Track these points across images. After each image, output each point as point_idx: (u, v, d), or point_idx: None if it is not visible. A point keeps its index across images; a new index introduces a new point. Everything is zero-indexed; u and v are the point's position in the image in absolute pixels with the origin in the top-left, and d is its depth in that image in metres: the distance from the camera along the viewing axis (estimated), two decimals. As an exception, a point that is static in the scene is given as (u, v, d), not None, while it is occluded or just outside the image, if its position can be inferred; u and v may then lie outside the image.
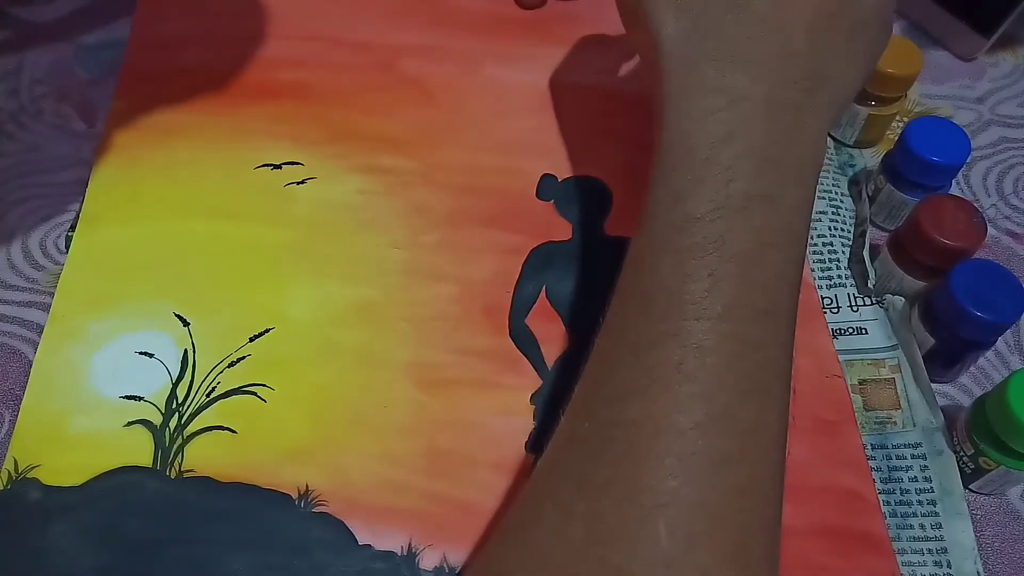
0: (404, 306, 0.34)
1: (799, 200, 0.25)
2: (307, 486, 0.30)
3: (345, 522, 0.29)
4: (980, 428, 0.32)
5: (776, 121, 0.25)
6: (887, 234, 0.38)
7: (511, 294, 0.35)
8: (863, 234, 0.38)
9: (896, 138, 0.38)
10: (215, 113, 0.38)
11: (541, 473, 0.25)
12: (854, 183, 0.41)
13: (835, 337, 0.36)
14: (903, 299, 0.36)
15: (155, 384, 0.32)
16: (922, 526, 0.32)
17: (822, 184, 0.39)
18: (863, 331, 0.36)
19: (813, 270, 0.37)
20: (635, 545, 0.21)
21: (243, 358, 0.32)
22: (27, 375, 0.32)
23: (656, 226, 0.25)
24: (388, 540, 0.29)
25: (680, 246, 0.24)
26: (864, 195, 0.40)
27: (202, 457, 0.30)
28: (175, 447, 0.30)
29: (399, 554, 0.29)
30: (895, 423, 0.34)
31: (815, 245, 0.38)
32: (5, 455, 0.30)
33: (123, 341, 0.32)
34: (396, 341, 0.33)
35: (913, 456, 0.33)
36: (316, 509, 0.29)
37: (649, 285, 0.24)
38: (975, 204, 0.36)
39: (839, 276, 0.37)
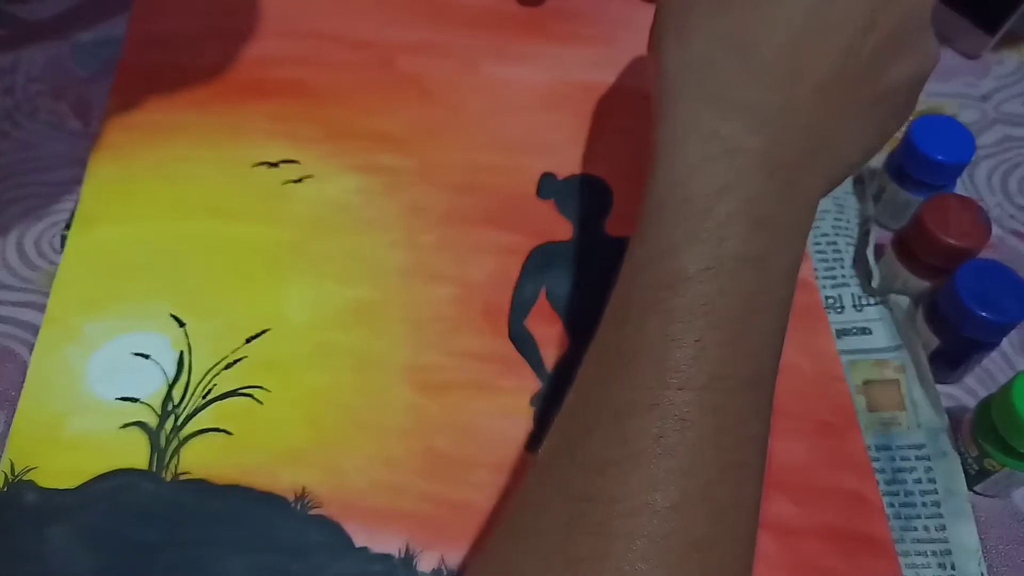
0: (402, 307, 0.34)
1: (787, 265, 0.24)
2: (304, 488, 0.30)
3: (342, 524, 0.29)
4: (985, 430, 0.32)
5: (771, 179, 0.24)
6: (891, 233, 0.38)
7: (511, 295, 0.34)
8: (867, 233, 0.38)
9: (900, 136, 0.38)
10: (212, 111, 0.38)
11: (506, 537, 0.23)
12: (858, 182, 0.40)
13: (839, 337, 0.35)
14: (907, 299, 0.36)
15: (151, 386, 0.31)
16: (926, 528, 0.31)
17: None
18: (867, 331, 0.36)
19: (816, 269, 0.37)
20: None
21: (239, 360, 0.32)
22: (22, 376, 0.31)
23: (644, 279, 0.24)
24: (385, 542, 0.29)
25: (667, 306, 0.23)
26: (868, 194, 0.39)
27: (198, 459, 0.30)
28: (171, 449, 0.30)
29: (396, 556, 0.29)
30: (899, 424, 0.33)
31: (818, 244, 0.38)
32: (1, 457, 0.30)
33: (119, 342, 0.32)
34: (394, 343, 0.33)
35: (917, 457, 0.33)
36: (313, 511, 0.29)
37: (632, 345, 0.23)
38: (980, 203, 0.36)
39: (843, 276, 0.37)
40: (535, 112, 0.40)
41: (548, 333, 0.34)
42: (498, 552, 0.23)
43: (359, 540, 0.29)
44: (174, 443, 0.30)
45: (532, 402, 0.32)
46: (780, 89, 0.24)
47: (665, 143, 0.25)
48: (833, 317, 0.36)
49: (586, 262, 0.36)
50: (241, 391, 0.31)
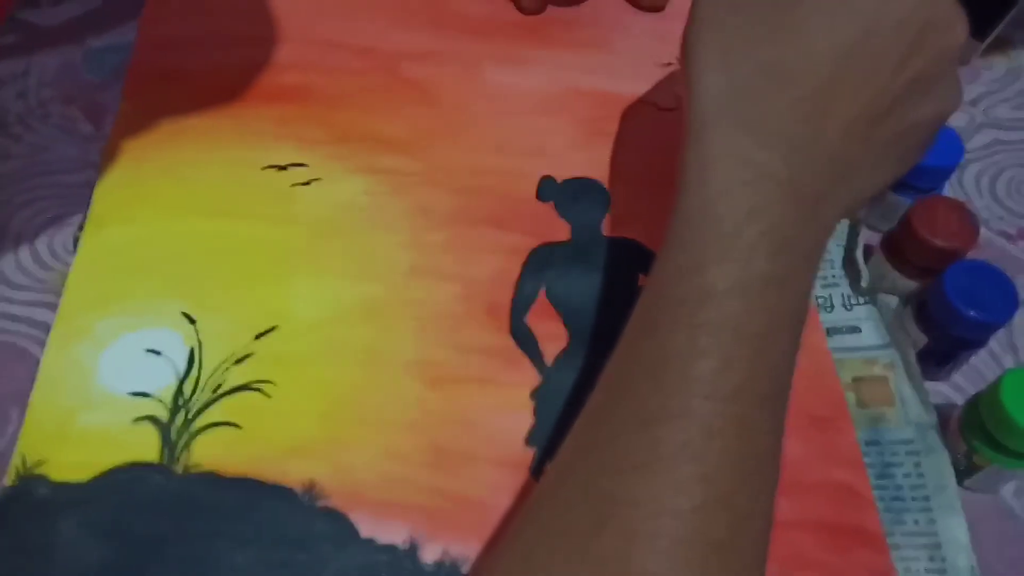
0: (408, 304, 0.35)
1: (806, 285, 0.25)
2: (311, 480, 0.30)
3: (348, 516, 0.30)
4: (973, 426, 0.32)
5: (796, 205, 0.25)
6: (880, 235, 0.39)
7: (512, 293, 0.35)
8: (856, 235, 0.38)
9: (890, 140, 0.38)
10: (221, 115, 0.39)
11: (529, 535, 0.24)
12: (849, 185, 0.41)
13: (829, 336, 0.36)
14: (896, 299, 0.36)
15: (162, 381, 0.32)
16: (916, 521, 0.32)
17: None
18: (857, 330, 0.36)
19: (809, 270, 0.38)
20: None
21: (249, 355, 0.33)
22: (35, 374, 0.32)
23: (673, 294, 0.24)
24: (390, 534, 0.30)
25: (696, 321, 0.24)
26: (859, 197, 0.40)
27: (208, 453, 0.30)
28: (181, 443, 0.31)
29: (401, 548, 0.29)
30: (888, 420, 0.34)
31: (811, 246, 0.38)
32: (14, 452, 0.30)
33: (130, 339, 0.33)
34: (400, 339, 0.34)
35: (907, 452, 0.33)
36: (320, 504, 0.30)
37: (661, 356, 0.24)
38: (968, 205, 0.36)
39: (833, 276, 0.38)
40: (535, 116, 0.40)
41: (548, 330, 0.34)
42: (521, 549, 0.24)
43: (365, 531, 0.29)
44: (184, 437, 0.31)
45: (532, 396, 0.33)
46: (812, 122, 0.25)
47: (698, 163, 0.25)
48: (823, 316, 0.36)
49: (584, 262, 0.36)
50: (250, 386, 0.32)
